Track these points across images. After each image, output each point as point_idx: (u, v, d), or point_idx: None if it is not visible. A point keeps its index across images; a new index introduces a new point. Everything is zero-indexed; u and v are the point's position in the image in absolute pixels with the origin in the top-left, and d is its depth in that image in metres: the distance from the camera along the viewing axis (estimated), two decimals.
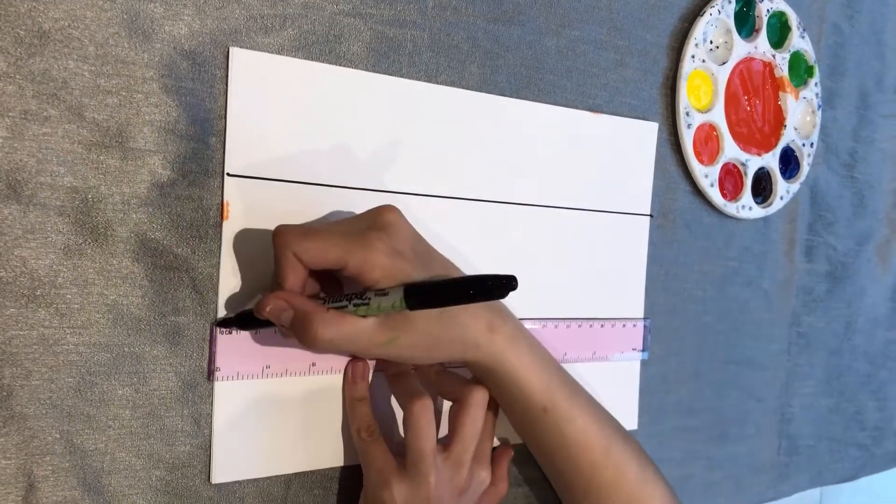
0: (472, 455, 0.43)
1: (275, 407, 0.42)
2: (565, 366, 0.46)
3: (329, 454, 0.44)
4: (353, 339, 0.37)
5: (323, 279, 0.40)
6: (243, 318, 0.39)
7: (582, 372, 0.53)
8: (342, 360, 0.44)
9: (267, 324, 0.38)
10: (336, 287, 0.41)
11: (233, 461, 0.41)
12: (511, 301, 0.50)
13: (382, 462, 0.41)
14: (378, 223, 0.38)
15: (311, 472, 0.44)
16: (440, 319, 0.39)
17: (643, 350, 0.57)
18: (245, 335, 0.40)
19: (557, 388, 0.44)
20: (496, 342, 0.42)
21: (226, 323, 0.40)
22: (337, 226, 0.40)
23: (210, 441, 0.40)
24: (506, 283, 0.35)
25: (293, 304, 0.37)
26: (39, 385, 0.36)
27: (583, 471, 0.46)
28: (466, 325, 0.41)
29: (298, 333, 0.37)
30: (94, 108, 0.36)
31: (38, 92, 0.35)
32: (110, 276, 0.37)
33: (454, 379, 0.45)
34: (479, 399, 0.43)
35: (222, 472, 0.41)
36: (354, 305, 0.37)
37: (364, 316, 0.37)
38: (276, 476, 0.43)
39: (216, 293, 0.40)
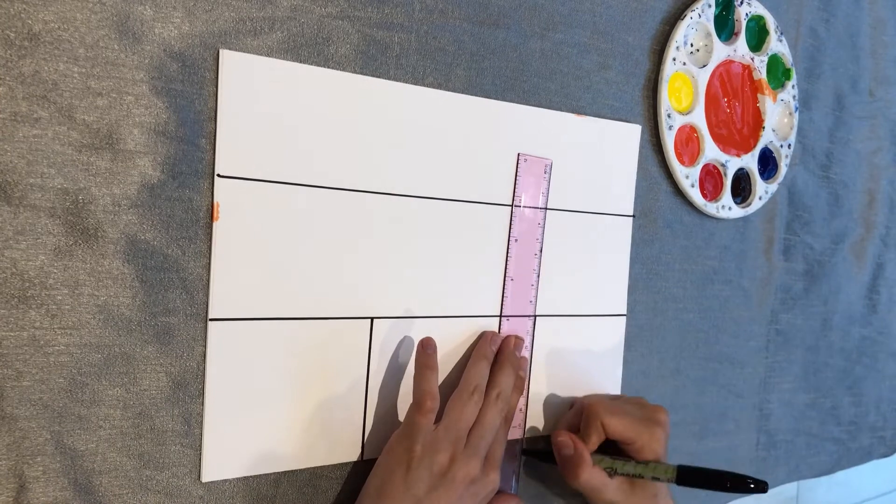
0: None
1: (265, 406, 0.42)
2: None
3: (318, 453, 0.44)
4: (598, 488, 0.49)
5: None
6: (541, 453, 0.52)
7: (566, 367, 0.54)
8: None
9: (549, 458, 0.51)
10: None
11: (223, 460, 0.41)
12: (496, 301, 0.51)
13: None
14: (657, 418, 0.51)
15: (300, 470, 0.44)
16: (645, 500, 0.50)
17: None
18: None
19: None
20: None
21: (527, 453, 0.53)
22: (628, 406, 0.51)
23: (200, 440, 0.41)
24: (758, 487, 0.46)
25: (577, 446, 0.49)
26: (30, 386, 0.36)
27: None
28: None
29: (567, 466, 0.49)
30: (84, 109, 0.36)
31: (28, 94, 0.35)
32: (101, 277, 0.37)
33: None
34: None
35: (212, 471, 0.41)
36: (636, 463, 0.49)
37: (638, 475, 0.49)
38: (266, 474, 0.43)
39: (206, 294, 0.40)
